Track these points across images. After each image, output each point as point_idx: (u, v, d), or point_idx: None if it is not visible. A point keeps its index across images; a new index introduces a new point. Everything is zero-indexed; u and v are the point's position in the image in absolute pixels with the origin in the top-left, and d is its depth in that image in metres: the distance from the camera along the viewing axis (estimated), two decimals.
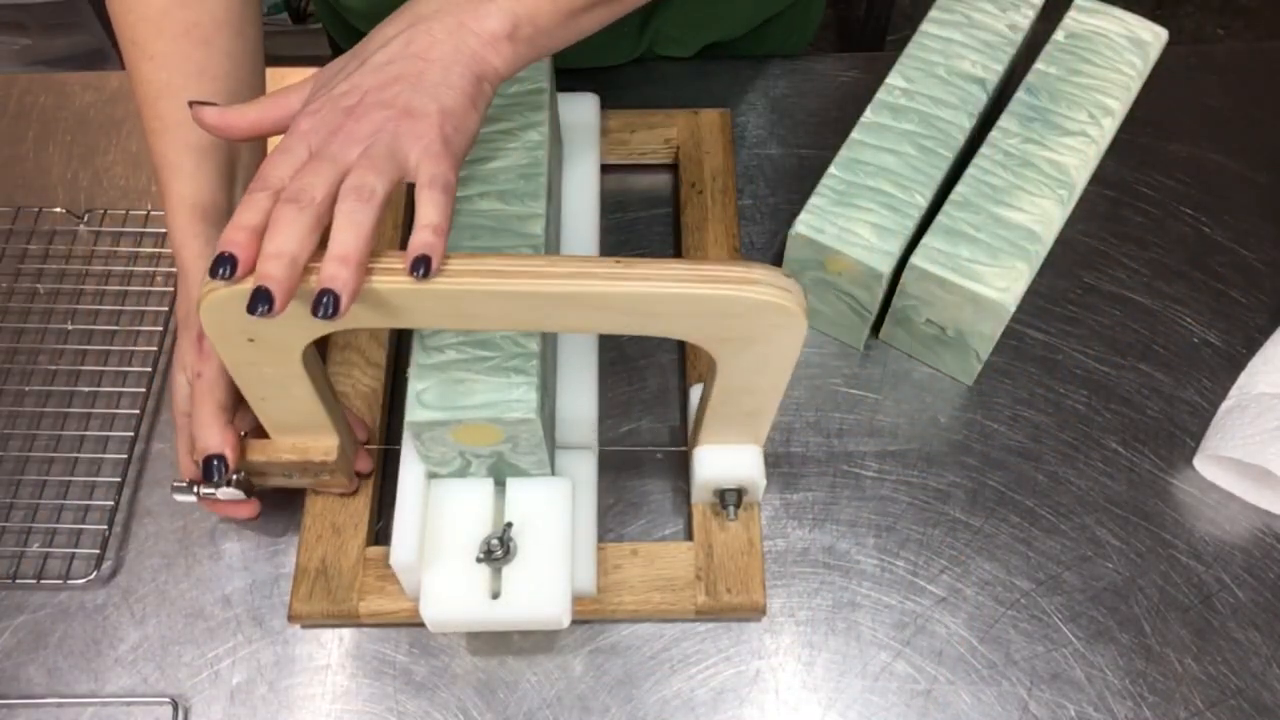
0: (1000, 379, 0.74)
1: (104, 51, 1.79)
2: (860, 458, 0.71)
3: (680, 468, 0.70)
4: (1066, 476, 0.70)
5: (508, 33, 0.51)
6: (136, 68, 0.61)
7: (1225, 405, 0.72)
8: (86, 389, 0.73)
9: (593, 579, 0.63)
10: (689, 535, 0.67)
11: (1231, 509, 0.69)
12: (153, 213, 0.79)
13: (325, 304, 0.45)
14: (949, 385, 0.74)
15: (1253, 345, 0.74)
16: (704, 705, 0.63)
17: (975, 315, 0.67)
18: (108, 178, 0.82)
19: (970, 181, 0.70)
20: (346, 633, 0.65)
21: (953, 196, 0.69)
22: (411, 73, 0.49)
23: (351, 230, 0.46)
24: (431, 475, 0.62)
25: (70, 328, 0.75)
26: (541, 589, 0.58)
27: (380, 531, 0.68)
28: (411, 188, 0.49)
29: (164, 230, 0.78)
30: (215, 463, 0.59)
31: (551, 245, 0.65)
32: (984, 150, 0.71)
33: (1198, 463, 0.70)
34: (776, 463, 0.70)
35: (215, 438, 0.59)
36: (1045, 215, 0.68)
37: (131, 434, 0.70)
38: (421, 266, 0.47)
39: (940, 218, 0.68)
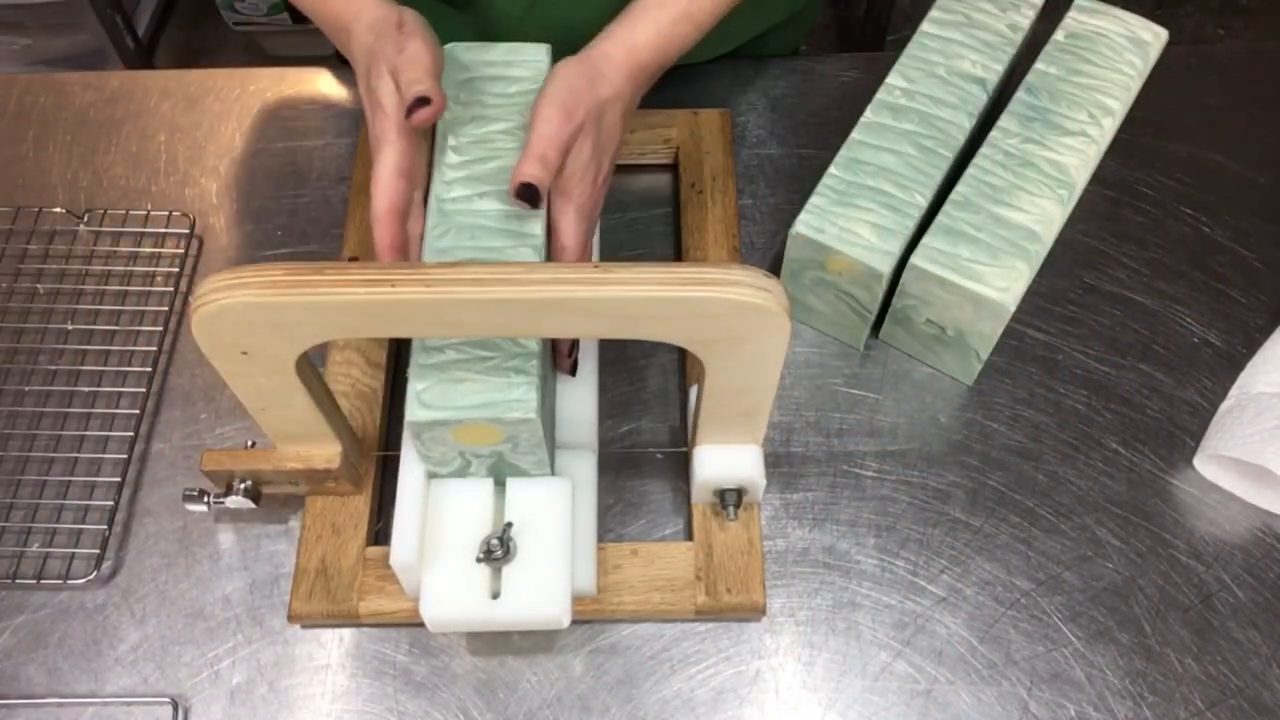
0: (1000, 379, 0.74)
1: (104, 51, 1.79)
2: (860, 458, 0.71)
3: (680, 468, 0.70)
4: (1066, 476, 0.70)
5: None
6: None
7: (1225, 405, 0.72)
8: (86, 389, 0.73)
9: (593, 579, 0.63)
10: (689, 535, 0.67)
11: (1231, 509, 0.69)
12: (152, 212, 0.79)
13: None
14: (949, 385, 0.74)
15: (1253, 345, 0.74)
16: (704, 705, 0.63)
17: (975, 315, 0.67)
18: (108, 178, 0.82)
19: (970, 181, 0.70)
20: (346, 633, 0.65)
21: (953, 196, 0.69)
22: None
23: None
24: (431, 475, 0.62)
25: (70, 328, 0.75)
26: (541, 589, 0.58)
27: (380, 531, 0.68)
28: None
29: (164, 230, 0.79)
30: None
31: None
32: (984, 150, 0.71)
33: (1198, 463, 0.70)
34: (776, 463, 0.70)
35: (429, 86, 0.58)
36: (1045, 215, 0.68)
37: (131, 434, 0.70)
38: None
39: (940, 218, 0.68)
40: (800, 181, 0.82)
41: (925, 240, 0.67)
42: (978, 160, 0.71)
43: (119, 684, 0.64)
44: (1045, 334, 0.75)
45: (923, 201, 0.69)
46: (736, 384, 0.57)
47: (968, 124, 0.72)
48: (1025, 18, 0.76)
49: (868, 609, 0.66)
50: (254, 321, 0.50)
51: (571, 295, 0.49)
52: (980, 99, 0.73)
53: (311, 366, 0.57)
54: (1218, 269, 0.78)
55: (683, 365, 0.74)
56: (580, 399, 0.66)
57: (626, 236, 0.80)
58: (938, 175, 0.70)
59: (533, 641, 0.65)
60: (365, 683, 0.64)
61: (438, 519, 0.60)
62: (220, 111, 0.85)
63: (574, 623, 0.62)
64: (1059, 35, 0.76)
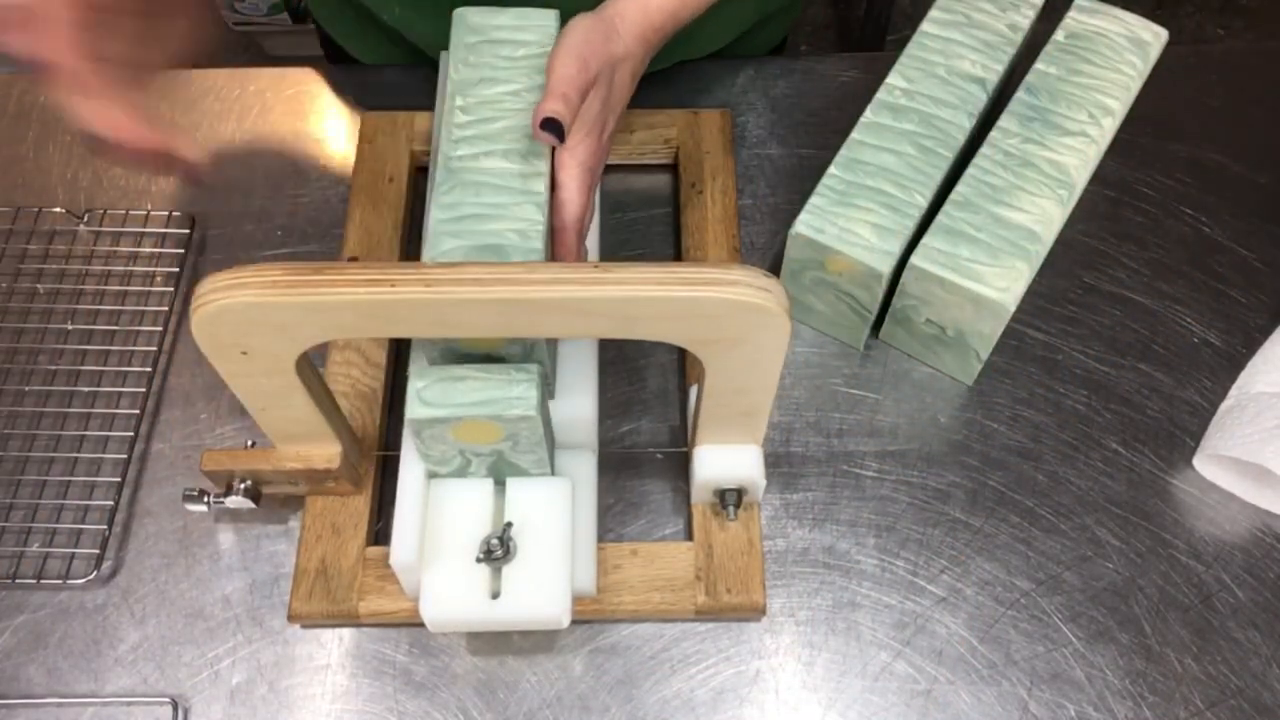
0: (1000, 379, 0.74)
1: None
2: (860, 458, 0.71)
3: (680, 468, 0.70)
4: (1066, 476, 0.70)
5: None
6: None
7: (1225, 405, 0.72)
8: (86, 389, 0.73)
9: (593, 579, 0.63)
10: (689, 535, 0.67)
11: (1231, 509, 0.69)
12: (152, 212, 0.79)
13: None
14: (949, 385, 0.74)
15: (1253, 345, 0.74)
16: (704, 705, 0.63)
17: (975, 315, 0.67)
18: (108, 178, 0.82)
19: (970, 181, 0.70)
20: (346, 633, 0.65)
21: (953, 196, 0.69)
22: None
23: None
24: (431, 475, 0.62)
25: (70, 328, 0.75)
26: (541, 589, 0.58)
27: (380, 531, 0.68)
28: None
29: (164, 230, 0.78)
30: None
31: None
32: (984, 150, 0.71)
33: (1197, 462, 0.70)
34: (776, 463, 0.70)
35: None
36: (1045, 215, 0.68)
37: (131, 434, 0.70)
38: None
39: (940, 218, 0.68)
40: (800, 181, 0.82)
41: (925, 240, 0.67)
42: (978, 160, 0.71)
43: (119, 684, 0.64)
44: (1045, 334, 0.75)
45: (923, 201, 0.69)
46: (736, 384, 0.57)
47: (968, 124, 0.72)
48: (1025, 18, 0.76)
49: (868, 609, 0.66)
50: (254, 321, 0.50)
51: (571, 295, 0.49)
52: (980, 99, 0.73)
53: (311, 366, 0.57)
54: (1218, 269, 0.78)
55: (683, 365, 0.74)
56: (580, 399, 0.66)
57: (626, 236, 0.80)
58: (938, 175, 0.70)
59: (533, 641, 0.65)
60: (365, 683, 0.64)
61: (438, 519, 0.60)
62: (220, 111, 0.85)
63: (574, 623, 0.62)
64: (1059, 35, 0.76)
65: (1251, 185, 0.82)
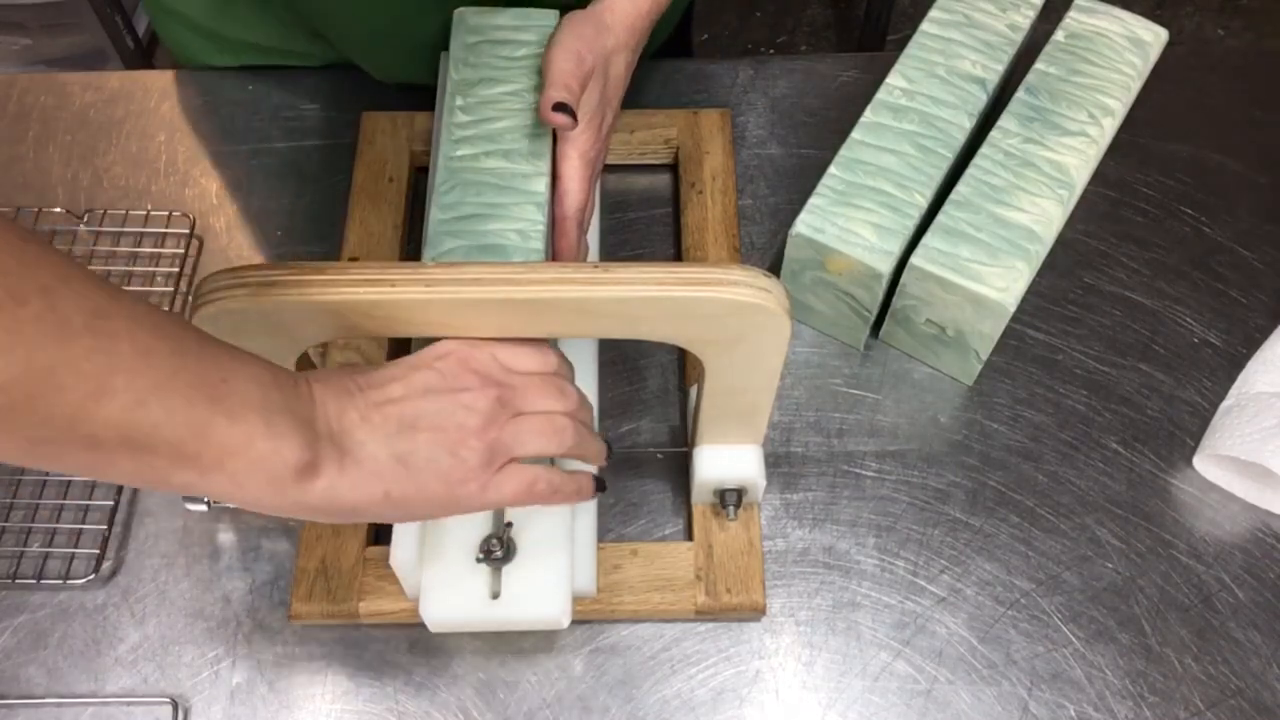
0: (1000, 379, 0.74)
1: (104, 51, 1.79)
2: (860, 458, 0.71)
3: (680, 468, 0.70)
4: (1066, 476, 0.70)
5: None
6: None
7: (1225, 405, 0.72)
8: None
9: (593, 579, 0.63)
10: (689, 535, 0.67)
11: (1231, 509, 0.69)
12: (152, 212, 0.79)
13: None
14: (949, 385, 0.74)
15: (1253, 345, 0.74)
16: (704, 705, 0.63)
17: (975, 315, 0.67)
18: (108, 178, 0.82)
19: (970, 181, 0.70)
20: (347, 633, 0.65)
21: (953, 196, 0.69)
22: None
23: None
24: None
25: None
26: (541, 589, 0.58)
27: (380, 531, 0.68)
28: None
29: (164, 230, 0.78)
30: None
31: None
32: (984, 150, 0.71)
33: (1197, 462, 0.70)
34: (776, 463, 0.70)
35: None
36: (1045, 215, 0.68)
37: None
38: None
39: (940, 217, 0.68)
40: (800, 181, 0.82)
41: (925, 240, 0.67)
42: (978, 160, 0.71)
43: (119, 684, 0.64)
44: (1045, 334, 0.75)
45: (923, 201, 0.69)
46: (736, 384, 0.57)
47: (968, 124, 0.72)
48: (1025, 18, 0.76)
49: (868, 609, 0.66)
50: (254, 321, 0.50)
51: (572, 295, 0.49)
52: (980, 99, 0.73)
53: (311, 367, 0.57)
54: (1218, 269, 0.78)
55: (683, 365, 0.74)
56: None
57: (626, 236, 0.80)
58: (938, 175, 0.70)
59: (533, 641, 0.65)
60: (365, 683, 0.64)
61: (438, 519, 0.60)
62: (220, 111, 0.85)
63: (574, 623, 0.62)
64: (1059, 35, 0.76)
65: (1251, 185, 0.82)
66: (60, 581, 0.66)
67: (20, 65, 1.80)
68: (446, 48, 0.70)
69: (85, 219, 0.79)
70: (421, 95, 0.80)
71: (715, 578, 0.64)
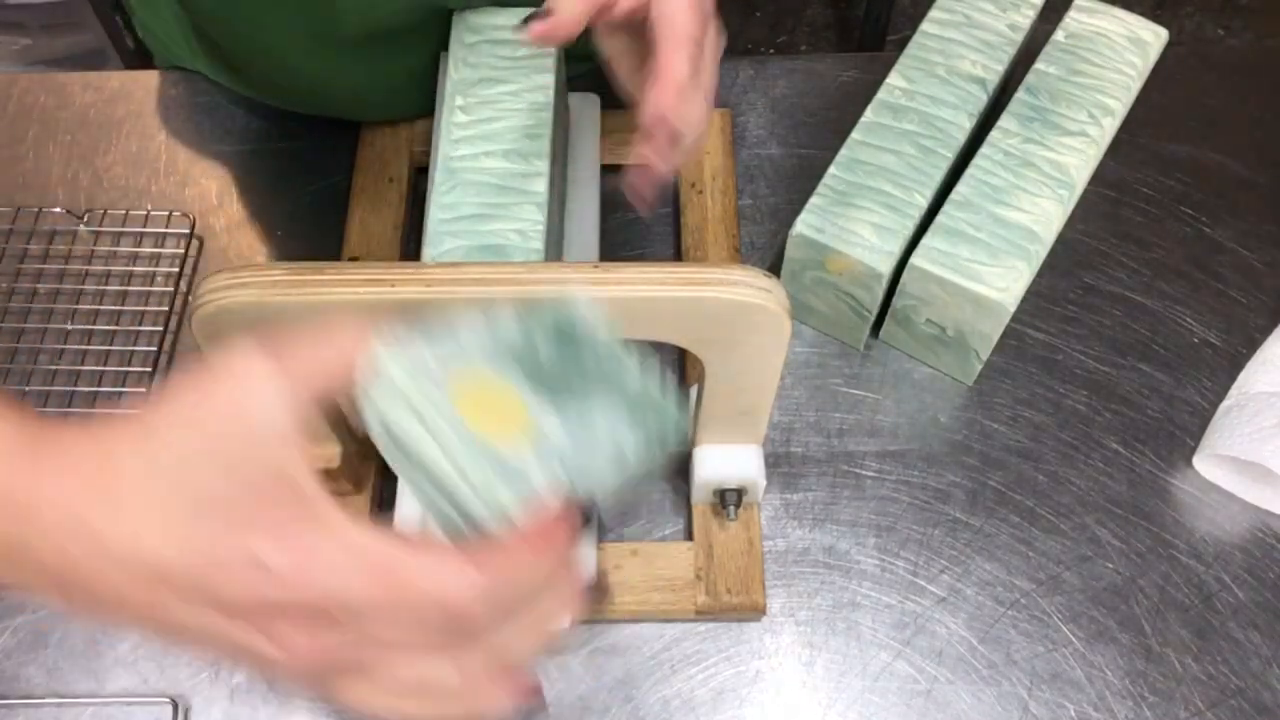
0: (1000, 379, 0.74)
1: (104, 51, 1.79)
2: (860, 458, 0.71)
3: (680, 468, 0.70)
4: (1066, 476, 0.70)
5: None
6: None
7: (1225, 404, 0.71)
8: (86, 389, 0.73)
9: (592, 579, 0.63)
10: (689, 535, 0.67)
11: (1231, 509, 0.69)
12: (153, 212, 0.79)
13: None
14: (949, 385, 0.74)
15: (1253, 345, 0.74)
16: (704, 705, 0.63)
17: (975, 315, 0.67)
18: (108, 178, 0.82)
19: (970, 181, 0.70)
20: None
21: (953, 196, 0.69)
22: None
23: None
24: None
25: (70, 328, 0.75)
26: None
27: None
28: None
29: (164, 230, 0.78)
30: None
31: (555, 218, 0.65)
32: (984, 150, 0.71)
33: (1197, 462, 0.70)
34: (776, 463, 0.70)
35: None
36: (1045, 215, 0.68)
37: None
38: None
39: (940, 218, 0.68)
40: (800, 181, 0.82)
41: (925, 240, 0.67)
42: (978, 160, 0.71)
43: (119, 684, 0.64)
44: (1045, 334, 0.75)
45: (923, 201, 0.69)
46: (736, 384, 0.57)
47: (968, 124, 0.72)
48: (1025, 18, 0.76)
49: (868, 609, 0.66)
50: (254, 321, 0.50)
51: None
52: (980, 99, 0.73)
53: None
54: (1218, 269, 0.78)
55: (683, 365, 0.74)
56: None
57: (626, 236, 0.80)
58: (938, 175, 0.70)
59: None
60: None
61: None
62: (221, 111, 0.85)
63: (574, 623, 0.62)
64: (1059, 35, 0.76)
65: (1251, 185, 0.82)
66: None
67: (20, 65, 1.80)
68: (446, 48, 0.70)
69: (85, 219, 0.79)
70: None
71: (715, 578, 0.64)
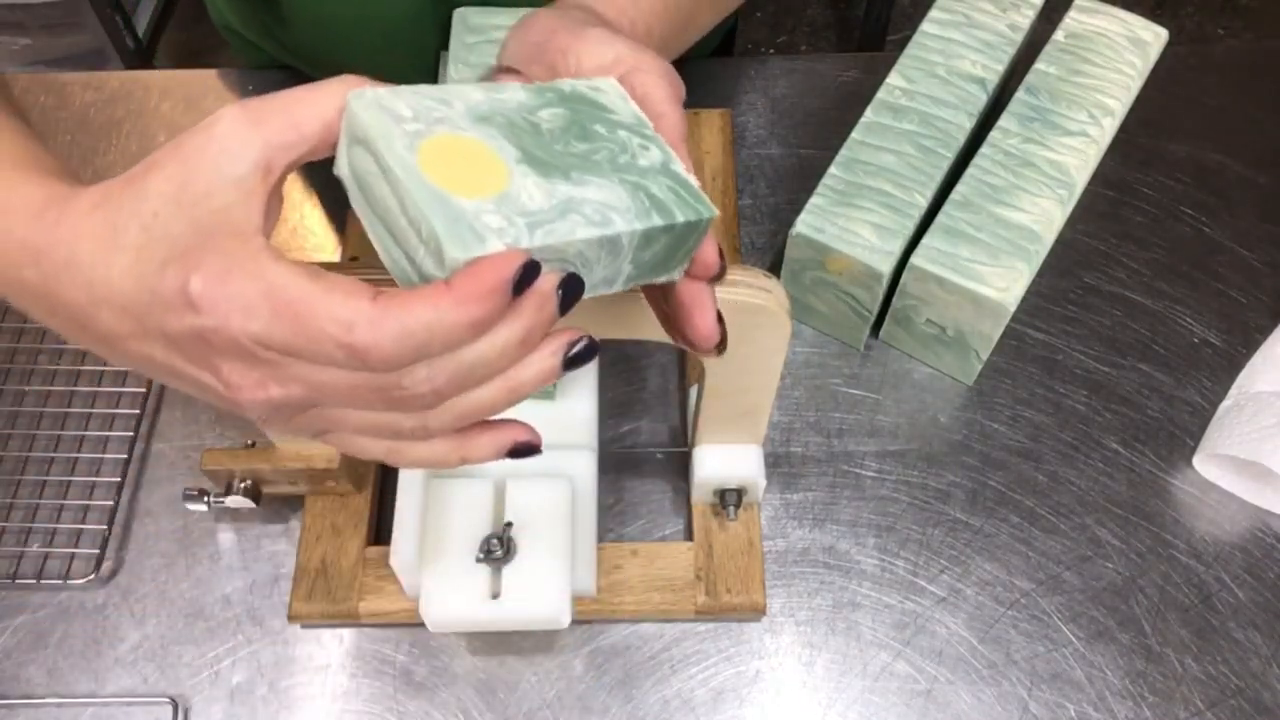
0: (1000, 379, 0.74)
1: (104, 51, 1.79)
2: (860, 458, 0.71)
3: (680, 468, 0.70)
4: (1066, 476, 0.70)
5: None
6: None
7: (1224, 404, 0.72)
8: (86, 389, 0.73)
9: (593, 579, 0.63)
10: (689, 535, 0.67)
11: (1231, 509, 0.69)
12: None
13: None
14: (949, 385, 0.74)
15: (1253, 345, 0.74)
16: (704, 705, 0.63)
17: (975, 315, 0.67)
18: (108, 178, 0.82)
19: (970, 181, 0.70)
20: (346, 633, 0.65)
21: (953, 196, 0.69)
22: None
23: None
24: (432, 475, 0.62)
25: None
26: (541, 589, 0.58)
27: (380, 531, 0.68)
28: None
29: None
30: None
31: None
32: (984, 150, 0.71)
33: (1197, 462, 0.70)
34: (776, 463, 0.70)
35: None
36: (1045, 215, 0.68)
37: (131, 434, 0.70)
38: None
39: (940, 218, 0.68)
40: (800, 181, 0.82)
41: (925, 240, 0.67)
42: (978, 160, 0.71)
43: (119, 684, 0.64)
44: (1045, 334, 0.75)
45: (923, 201, 0.69)
46: (736, 384, 0.57)
47: (968, 124, 0.72)
48: (1025, 18, 0.76)
49: (868, 609, 0.66)
50: None
51: None
52: (980, 99, 0.73)
53: None
54: (1218, 269, 0.78)
55: (683, 365, 0.74)
56: (580, 399, 0.66)
57: None
58: (938, 175, 0.70)
59: (533, 641, 0.65)
60: (365, 683, 0.64)
61: (438, 519, 0.60)
62: None
63: (574, 623, 0.62)
64: (1059, 35, 0.76)
65: (1251, 185, 0.82)
66: (60, 581, 0.66)
67: (20, 65, 1.80)
68: (446, 47, 0.70)
69: None
70: None
71: (715, 578, 0.64)
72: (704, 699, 0.63)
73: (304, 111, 0.38)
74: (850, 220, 0.68)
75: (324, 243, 0.79)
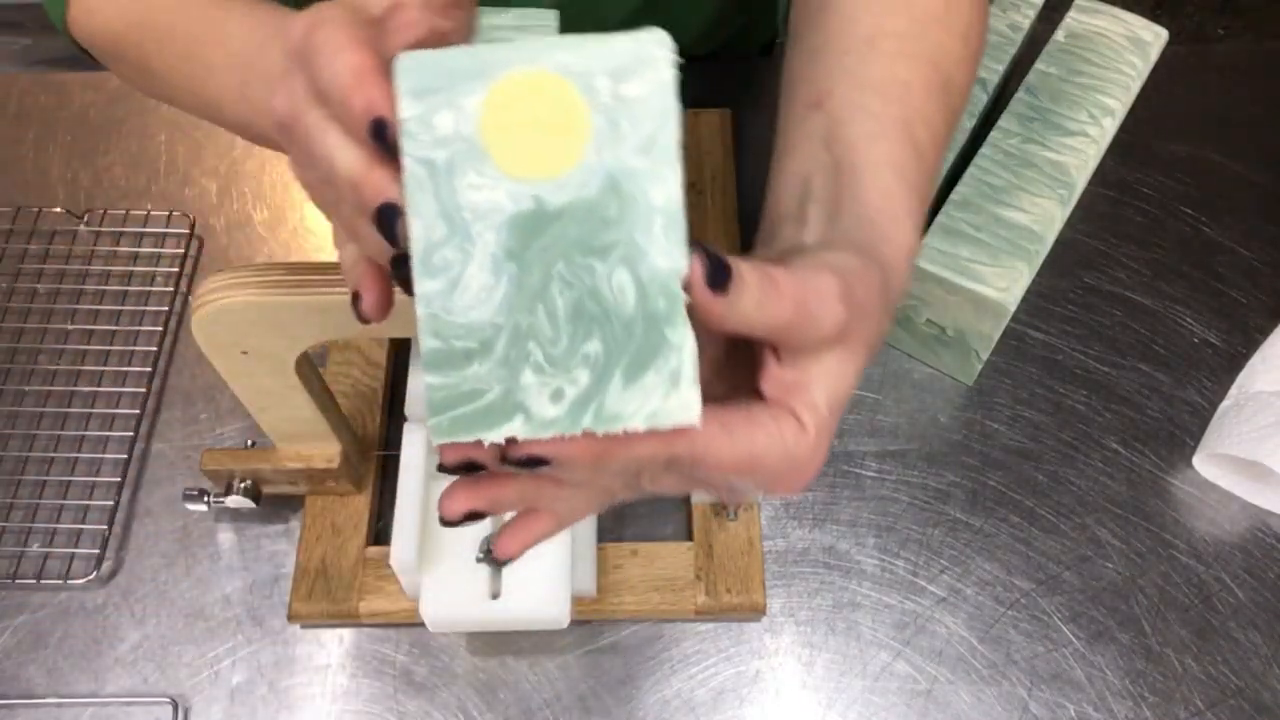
0: (1000, 379, 0.74)
1: None
2: (860, 458, 0.71)
3: None
4: (1066, 476, 0.70)
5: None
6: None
7: (1224, 404, 0.72)
8: (86, 389, 0.73)
9: (593, 579, 0.63)
10: (689, 535, 0.67)
11: (1231, 509, 0.69)
12: (153, 212, 0.79)
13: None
14: (949, 385, 0.74)
15: (1252, 345, 0.74)
16: (704, 705, 0.63)
17: (975, 315, 0.67)
18: (108, 178, 0.82)
19: (970, 181, 0.70)
20: (346, 633, 0.65)
21: (953, 196, 0.69)
22: None
23: None
24: (432, 475, 0.62)
25: (70, 328, 0.75)
26: (541, 589, 0.58)
27: (380, 531, 0.68)
28: None
29: (164, 230, 0.78)
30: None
31: None
32: (984, 150, 0.71)
33: (1197, 462, 0.70)
34: None
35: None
36: (1045, 215, 0.68)
37: (131, 434, 0.70)
38: None
39: (940, 218, 0.68)
40: None
41: (925, 240, 0.67)
42: (978, 160, 0.71)
43: (119, 684, 0.64)
44: (1045, 334, 0.75)
45: None
46: None
47: (968, 124, 0.72)
48: (1025, 18, 0.76)
49: (868, 609, 0.66)
50: (254, 321, 0.50)
51: None
52: (980, 99, 0.73)
53: (311, 366, 0.57)
54: (1218, 269, 0.78)
55: None
56: None
57: None
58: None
59: (533, 641, 0.65)
60: (365, 683, 0.64)
61: (438, 519, 0.60)
62: None
63: (574, 623, 0.62)
64: (1059, 35, 0.76)
65: (1251, 185, 0.82)
66: (60, 581, 0.66)
67: (20, 65, 1.80)
68: None
69: (85, 219, 0.79)
70: None
71: (715, 578, 0.64)
72: (704, 699, 0.63)
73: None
74: None
75: (324, 243, 0.79)
